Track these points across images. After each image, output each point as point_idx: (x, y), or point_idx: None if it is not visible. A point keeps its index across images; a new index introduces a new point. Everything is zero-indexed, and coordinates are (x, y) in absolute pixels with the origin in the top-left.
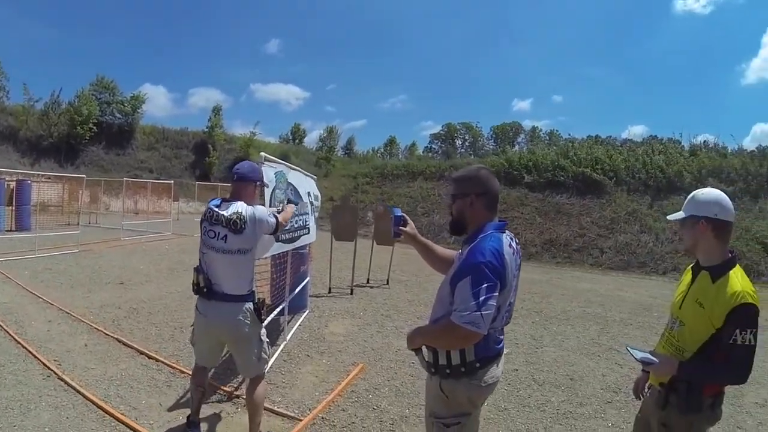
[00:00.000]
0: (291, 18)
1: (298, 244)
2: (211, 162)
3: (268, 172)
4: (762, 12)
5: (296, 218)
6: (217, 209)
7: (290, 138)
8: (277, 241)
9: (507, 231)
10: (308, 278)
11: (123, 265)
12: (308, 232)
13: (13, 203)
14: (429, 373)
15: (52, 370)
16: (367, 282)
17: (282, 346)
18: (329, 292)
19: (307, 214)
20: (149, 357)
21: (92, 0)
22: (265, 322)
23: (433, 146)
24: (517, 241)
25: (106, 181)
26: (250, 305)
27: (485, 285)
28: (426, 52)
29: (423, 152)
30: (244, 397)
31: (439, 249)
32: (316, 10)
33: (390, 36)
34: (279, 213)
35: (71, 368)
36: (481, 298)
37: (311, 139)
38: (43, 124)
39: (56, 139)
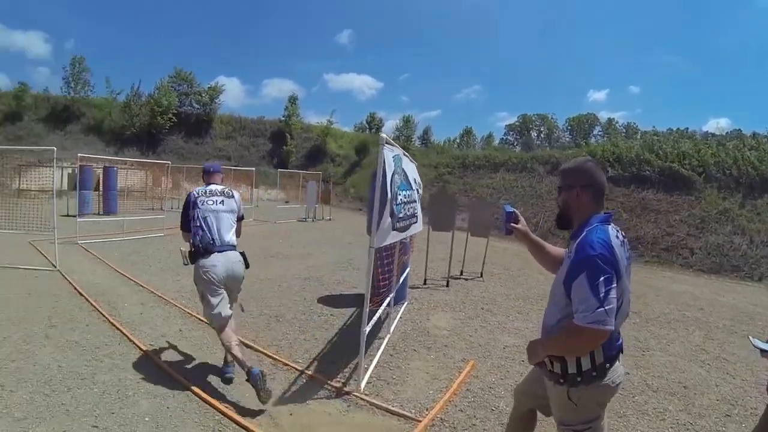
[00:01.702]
0: (362, 9)
1: (408, 233)
2: (288, 150)
3: (387, 156)
4: None
5: (407, 206)
6: (208, 187)
7: (366, 127)
8: (393, 229)
9: (612, 223)
10: (408, 269)
11: None
12: (416, 221)
13: (101, 188)
14: (556, 384)
15: (149, 355)
16: (461, 274)
17: (386, 339)
18: (424, 284)
19: (415, 201)
20: (247, 346)
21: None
22: (374, 318)
23: (509, 137)
24: (624, 234)
25: (187, 168)
26: (240, 253)
27: (602, 278)
28: (500, 41)
29: (499, 143)
30: (356, 393)
31: (550, 247)
32: (386, 1)
33: (463, 26)
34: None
35: (168, 353)
36: (602, 293)
37: (387, 129)
38: (126, 115)
39: (138, 129)
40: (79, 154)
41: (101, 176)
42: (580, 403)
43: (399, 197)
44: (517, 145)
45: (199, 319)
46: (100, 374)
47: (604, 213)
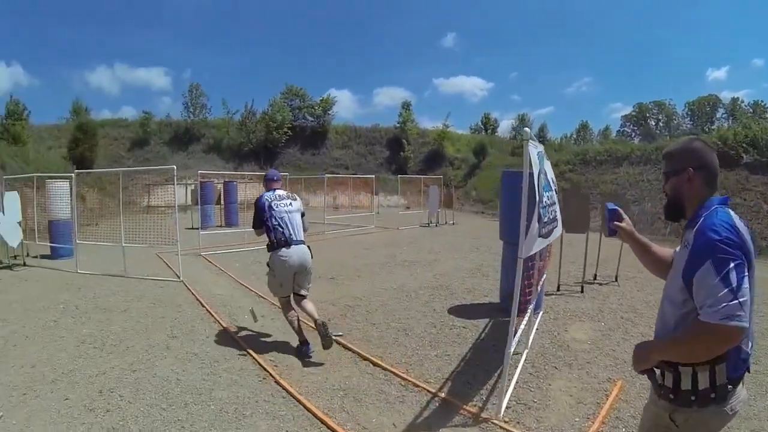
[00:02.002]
0: (462, 10)
1: (551, 238)
2: (406, 156)
3: (532, 153)
4: None
5: (550, 209)
6: (275, 193)
7: (482, 128)
8: (539, 236)
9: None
10: (545, 275)
11: (331, 260)
12: (557, 225)
13: (222, 202)
14: (665, 400)
15: (268, 371)
16: (594, 278)
17: (525, 354)
18: (558, 290)
19: (556, 203)
20: (374, 364)
21: (276, 20)
22: (517, 335)
23: (626, 129)
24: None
25: (305, 179)
26: (307, 246)
27: (732, 264)
28: (607, 29)
29: (616, 136)
30: (495, 420)
31: (657, 248)
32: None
33: (567, 17)
34: None
35: (288, 371)
36: (734, 282)
37: (502, 129)
38: (242, 133)
39: (255, 144)
40: (199, 171)
41: (222, 191)
42: (685, 427)
43: (544, 199)
44: (635, 136)
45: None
46: (218, 390)
47: (725, 196)
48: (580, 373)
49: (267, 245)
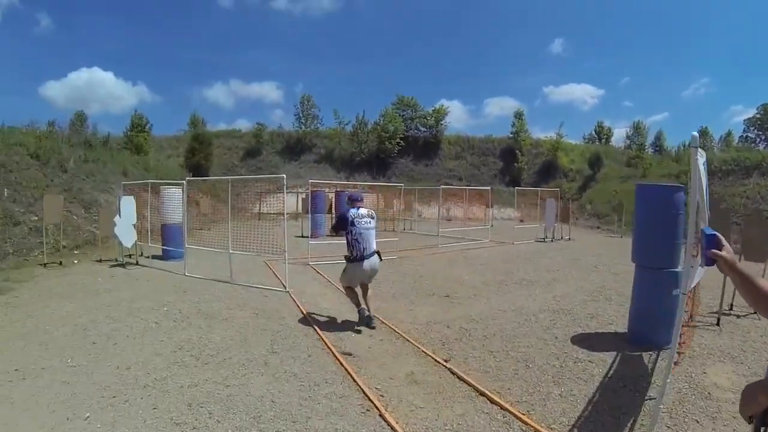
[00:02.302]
0: (570, 14)
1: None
2: (520, 167)
3: (699, 163)
4: None
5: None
6: (359, 211)
7: (595, 138)
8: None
9: None
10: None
11: (445, 275)
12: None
13: (333, 211)
14: None
15: (373, 403)
16: (731, 309)
17: (660, 399)
18: (690, 319)
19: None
20: (491, 401)
21: (384, 32)
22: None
23: (749, 134)
24: None
25: (419, 190)
26: (377, 252)
27: None
28: (724, 25)
29: (739, 142)
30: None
31: (763, 282)
32: (593, 3)
33: (681, 14)
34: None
35: (396, 403)
36: None
37: (616, 139)
38: (354, 143)
39: (366, 155)
40: (310, 180)
41: (333, 200)
42: None
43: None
44: (760, 141)
45: (435, 359)
46: (315, 419)
47: None
48: (726, 431)
49: (345, 256)
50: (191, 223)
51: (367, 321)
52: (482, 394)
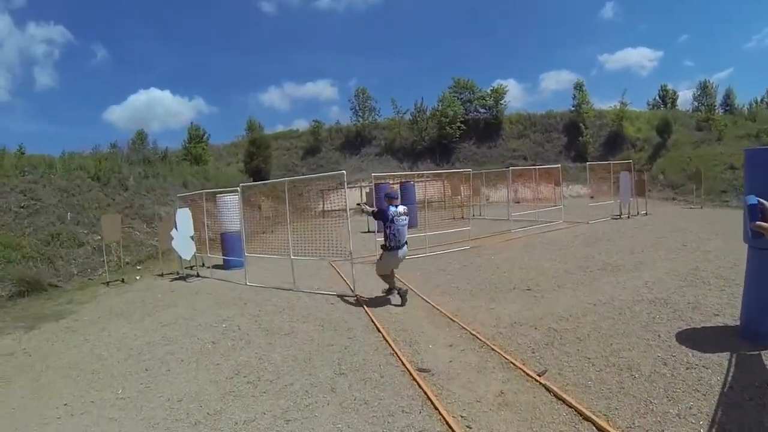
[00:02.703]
0: None
1: None
2: (585, 141)
3: None
4: None
5: None
6: (396, 209)
7: (659, 103)
8: None
9: None
10: None
11: (523, 264)
12: None
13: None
14: None
15: None
16: None
17: None
18: None
19: None
20: (598, 428)
21: (430, 19)
22: None
23: None
24: None
25: (485, 173)
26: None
27: None
28: None
29: None
30: None
31: None
32: None
33: None
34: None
35: None
36: None
37: (682, 101)
38: (414, 131)
39: (428, 142)
40: (373, 174)
41: (399, 191)
42: None
43: None
44: None
45: (527, 373)
46: None
47: None
48: None
49: (382, 245)
50: (253, 228)
51: (402, 295)
52: (587, 418)
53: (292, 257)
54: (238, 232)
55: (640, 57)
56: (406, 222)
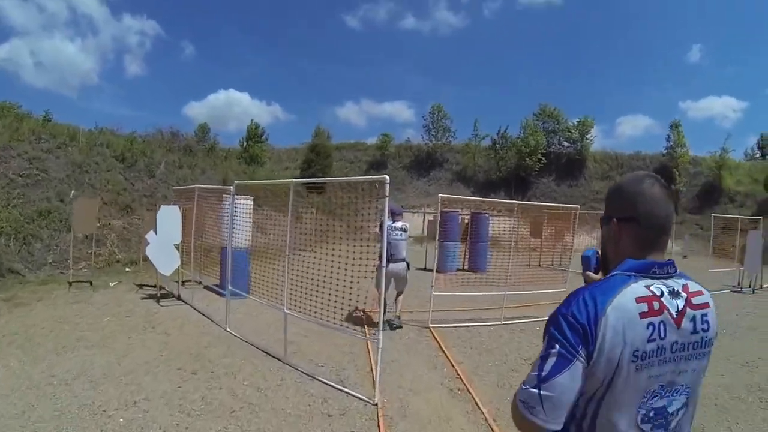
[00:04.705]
0: (710, 15)
1: None
2: (678, 190)
3: None
4: None
5: None
6: (395, 224)
7: (758, 154)
8: None
9: (668, 279)
10: None
11: None
12: None
13: (467, 238)
14: None
15: None
16: None
17: None
18: None
19: None
20: None
21: (518, 47)
22: None
23: None
24: (702, 299)
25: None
26: (406, 262)
27: (555, 349)
28: None
29: None
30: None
31: None
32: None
33: None
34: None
35: None
36: (544, 369)
37: None
38: (491, 159)
39: (505, 172)
40: (440, 195)
41: (468, 224)
42: None
43: None
44: None
45: None
46: None
47: (648, 261)
48: None
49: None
50: (279, 243)
51: (391, 323)
52: None
53: (286, 311)
54: (247, 250)
55: (724, 107)
56: (403, 237)
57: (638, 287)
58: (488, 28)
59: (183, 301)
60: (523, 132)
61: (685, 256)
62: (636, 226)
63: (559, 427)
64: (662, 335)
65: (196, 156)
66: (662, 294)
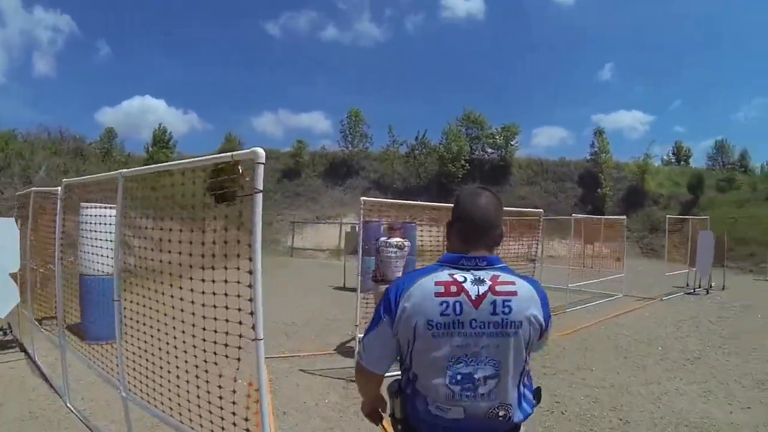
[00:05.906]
0: (621, 36)
1: None
2: (604, 194)
3: None
4: None
5: None
6: (389, 240)
7: (672, 159)
8: None
9: (478, 270)
10: None
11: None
12: None
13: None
14: None
15: None
16: None
17: None
18: None
19: None
20: None
21: (433, 63)
22: None
23: None
24: (508, 288)
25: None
26: None
27: (373, 316)
28: None
29: None
30: None
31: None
32: (643, 23)
33: (735, 32)
34: None
35: None
36: (367, 329)
37: (696, 159)
38: (411, 167)
39: (425, 180)
40: (363, 198)
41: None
42: None
43: None
44: None
45: None
46: None
47: (459, 255)
48: None
49: (372, 278)
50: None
51: None
52: None
53: (123, 394)
54: (111, 277)
55: (633, 120)
56: (396, 255)
57: (442, 274)
58: (410, 42)
59: (20, 355)
60: (445, 138)
61: None
62: (458, 226)
63: (380, 372)
64: (457, 312)
65: (87, 161)
66: (465, 280)
